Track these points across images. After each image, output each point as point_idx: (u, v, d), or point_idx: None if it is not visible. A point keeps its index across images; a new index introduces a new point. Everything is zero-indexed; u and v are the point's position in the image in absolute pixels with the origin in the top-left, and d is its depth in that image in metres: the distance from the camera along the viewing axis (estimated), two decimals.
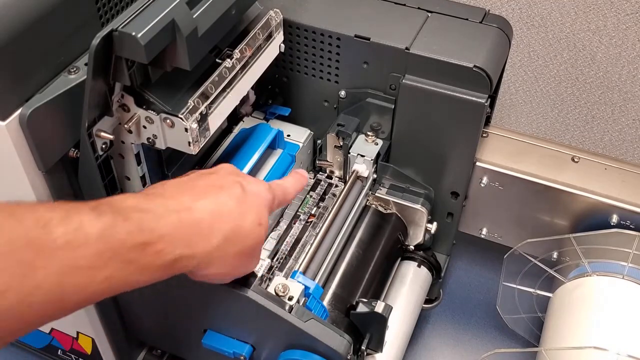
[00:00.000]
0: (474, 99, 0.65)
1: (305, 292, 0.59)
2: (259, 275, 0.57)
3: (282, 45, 0.68)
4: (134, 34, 0.47)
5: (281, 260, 0.66)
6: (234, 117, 0.76)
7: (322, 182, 0.77)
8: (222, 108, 0.58)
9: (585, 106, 0.93)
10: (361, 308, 0.60)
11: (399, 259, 0.80)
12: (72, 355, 0.76)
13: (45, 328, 0.73)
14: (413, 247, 0.79)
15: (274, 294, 0.57)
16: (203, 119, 0.55)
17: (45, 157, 0.51)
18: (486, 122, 0.78)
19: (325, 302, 0.64)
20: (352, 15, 0.71)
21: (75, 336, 0.71)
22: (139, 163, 0.59)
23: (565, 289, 0.73)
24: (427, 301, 0.83)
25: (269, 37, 0.64)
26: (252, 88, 0.69)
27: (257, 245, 0.51)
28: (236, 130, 0.75)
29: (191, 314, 0.63)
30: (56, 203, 0.39)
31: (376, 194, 0.75)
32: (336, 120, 0.73)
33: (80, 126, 0.51)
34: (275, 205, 0.54)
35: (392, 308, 0.60)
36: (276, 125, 0.75)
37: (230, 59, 0.59)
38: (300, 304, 0.58)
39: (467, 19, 0.70)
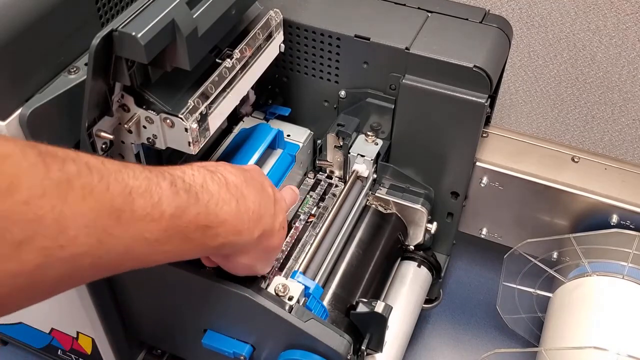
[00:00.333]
0: (474, 99, 0.65)
1: (305, 292, 0.59)
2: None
3: (282, 45, 0.68)
4: (134, 34, 0.47)
5: (281, 260, 0.66)
6: (234, 117, 0.76)
7: (322, 182, 0.77)
8: (222, 108, 0.58)
9: (585, 106, 0.93)
10: (361, 308, 0.60)
11: (399, 259, 0.80)
12: (72, 355, 0.76)
13: (45, 328, 0.73)
14: (413, 247, 0.79)
15: (274, 294, 0.57)
16: (203, 119, 0.55)
17: None
18: (486, 122, 0.78)
19: (325, 302, 0.64)
20: (352, 15, 0.71)
21: (75, 336, 0.71)
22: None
23: (565, 289, 0.73)
24: (427, 301, 0.83)
25: (269, 37, 0.64)
26: (252, 88, 0.69)
27: (279, 247, 0.55)
28: (236, 130, 0.75)
29: (191, 314, 0.63)
30: (138, 168, 0.39)
31: (376, 194, 0.75)
32: (336, 120, 0.73)
33: (80, 126, 0.51)
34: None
35: (392, 308, 0.60)
36: (276, 125, 0.75)
37: (230, 59, 0.59)
38: (300, 304, 0.58)
39: (467, 19, 0.70)
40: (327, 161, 0.76)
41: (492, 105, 0.76)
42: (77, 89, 0.51)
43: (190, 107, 0.54)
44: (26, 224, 0.31)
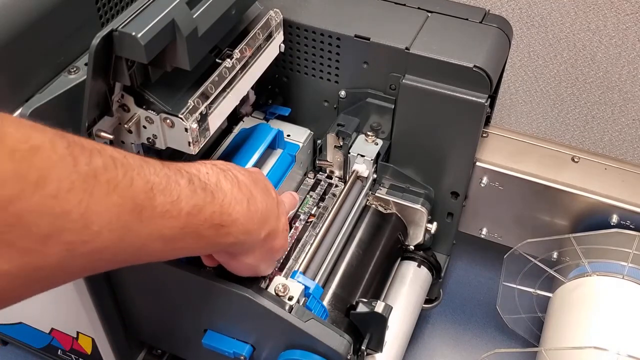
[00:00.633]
0: (474, 99, 0.65)
1: (305, 292, 0.59)
2: None
3: (282, 45, 0.68)
4: (134, 34, 0.47)
5: (281, 260, 0.66)
6: (234, 117, 0.76)
7: (322, 182, 0.77)
8: (222, 108, 0.58)
9: (585, 106, 0.93)
10: (361, 308, 0.60)
11: (399, 259, 0.80)
12: (72, 355, 0.76)
13: (45, 328, 0.73)
14: (413, 247, 0.79)
15: (274, 294, 0.57)
16: (203, 119, 0.55)
17: None
18: (486, 122, 0.78)
19: (325, 302, 0.64)
20: (352, 15, 0.71)
21: (75, 336, 0.71)
22: None
23: (565, 289, 0.73)
24: (427, 301, 0.83)
25: (269, 37, 0.64)
26: (252, 88, 0.69)
27: (282, 248, 0.55)
28: (236, 130, 0.75)
29: (191, 314, 0.63)
30: (157, 164, 0.39)
31: (376, 194, 0.75)
32: (336, 120, 0.73)
33: (80, 126, 0.51)
34: None
35: (392, 308, 0.60)
36: (276, 125, 0.75)
37: (230, 59, 0.59)
38: (300, 304, 0.58)
39: (467, 19, 0.70)
40: (327, 161, 0.76)
41: (492, 105, 0.76)
42: (77, 89, 0.51)
43: (190, 107, 0.54)
44: (54, 218, 0.31)
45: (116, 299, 0.67)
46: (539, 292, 0.76)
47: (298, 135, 0.76)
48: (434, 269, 0.80)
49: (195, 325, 0.63)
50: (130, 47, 0.47)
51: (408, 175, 0.74)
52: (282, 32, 0.67)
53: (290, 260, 0.66)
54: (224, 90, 0.58)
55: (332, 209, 0.69)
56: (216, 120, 0.58)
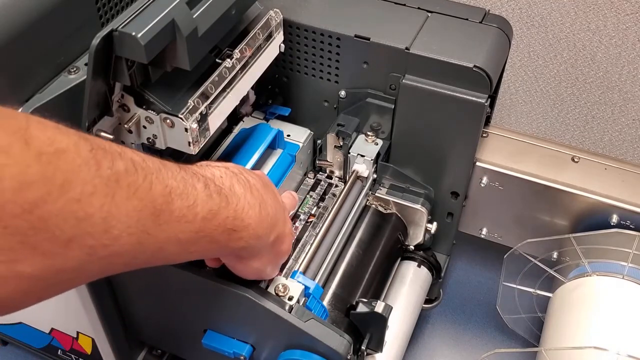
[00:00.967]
0: (474, 99, 0.65)
1: (305, 292, 0.59)
2: None
3: (282, 45, 0.68)
4: (134, 34, 0.47)
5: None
6: (234, 117, 0.76)
7: (322, 182, 0.77)
8: (222, 108, 0.58)
9: (585, 106, 0.93)
10: (361, 308, 0.60)
11: (399, 259, 0.80)
12: (72, 355, 0.76)
13: (45, 328, 0.73)
14: (413, 247, 0.79)
15: (273, 294, 0.57)
16: (203, 119, 0.55)
17: None
18: (486, 122, 0.78)
19: (325, 302, 0.64)
20: (352, 15, 0.71)
21: (75, 336, 0.71)
22: None
23: (565, 289, 0.73)
24: (427, 301, 0.83)
25: (269, 37, 0.64)
26: (252, 88, 0.69)
27: (288, 252, 0.55)
28: (236, 130, 0.75)
29: (191, 314, 0.63)
30: (174, 167, 0.39)
31: (376, 194, 0.75)
32: (336, 120, 0.73)
33: (80, 126, 0.51)
34: None
35: (392, 308, 0.60)
36: (276, 125, 0.75)
37: (230, 59, 0.59)
38: (300, 304, 0.58)
39: (467, 19, 0.70)
40: (327, 161, 0.76)
41: (492, 105, 0.76)
42: (77, 89, 0.51)
43: (190, 107, 0.54)
44: (77, 222, 0.31)
45: (116, 299, 0.67)
46: (539, 292, 0.76)
47: (298, 135, 0.76)
48: (434, 269, 0.80)
49: (195, 325, 0.63)
50: (130, 47, 0.47)
51: (408, 175, 0.74)
52: (282, 32, 0.67)
53: (290, 260, 0.66)
54: (224, 90, 0.58)
55: (332, 209, 0.69)
56: (216, 120, 0.58)
